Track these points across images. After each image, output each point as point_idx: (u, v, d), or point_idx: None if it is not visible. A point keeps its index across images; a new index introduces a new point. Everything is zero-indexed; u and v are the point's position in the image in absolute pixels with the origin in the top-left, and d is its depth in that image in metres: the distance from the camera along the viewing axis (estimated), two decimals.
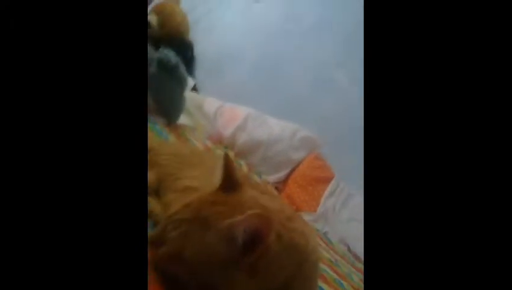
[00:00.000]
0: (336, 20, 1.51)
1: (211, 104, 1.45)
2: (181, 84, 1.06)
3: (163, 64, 1.00)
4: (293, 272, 0.43)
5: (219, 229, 0.39)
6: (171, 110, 1.06)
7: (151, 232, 0.44)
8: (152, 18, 1.41)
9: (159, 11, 1.40)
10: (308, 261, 0.45)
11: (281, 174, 1.36)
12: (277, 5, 1.65)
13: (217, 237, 0.39)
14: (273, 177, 1.34)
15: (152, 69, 1.01)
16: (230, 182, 0.45)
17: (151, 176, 0.61)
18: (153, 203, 0.56)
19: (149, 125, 0.93)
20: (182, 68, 1.05)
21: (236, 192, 0.45)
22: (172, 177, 0.62)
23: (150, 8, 1.48)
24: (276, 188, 1.34)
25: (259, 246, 0.38)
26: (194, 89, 1.60)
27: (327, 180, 1.39)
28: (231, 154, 1.28)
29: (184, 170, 0.64)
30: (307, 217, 1.18)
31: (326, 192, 1.33)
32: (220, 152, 1.18)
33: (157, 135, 0.92)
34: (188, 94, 1.31)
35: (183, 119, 1.21)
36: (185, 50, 1.40)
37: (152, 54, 1.04)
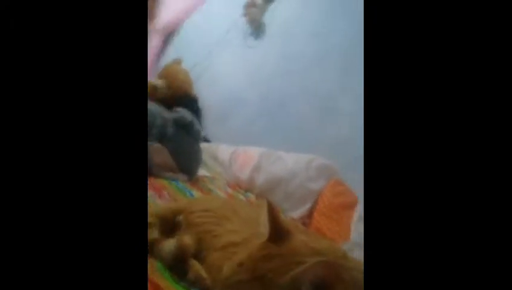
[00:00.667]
0: (333, 51, 1.60)
1: (224, 151, 1.48)
2: (197, 138, 1.10)
3: (179, 123, 1.04)
4: None
5: (282, 285, 0.38)
6: (191, 165, 1.08)
7: None
8: (158, 82, 1.51)
9: (164, 74, 1.50)
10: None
11: (305, 207, 1.34)
12: (271, 47, 1.76)
13: None
14: (297, 213, 1.32)
15: (169, 129, 1.06)
16: (278, 231, 0.46)
17: (188, 240, 0.61)
18: (197, 267, 0.55)
19: (171, 184, 0.95)
20: (197, 123, 1.10)
21: (286, 240, 0.45)
22: (210, 234, 0.62)
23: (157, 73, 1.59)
24: (303, 223, 1.30)
25: None
26: (205, 139, 1.65)
27: (352, 205, 1.36)
28: (252, 197, 1.28)
29: (220, 224, 0.64)
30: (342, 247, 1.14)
31: (355, 217, 1.29)
32: (242, 197, 1.18)
33: (181, 192, 0.93)
34: (201, 145, 1.35)
35: (200, 171, 1.23)
36: (191, 104, 1.47)
37: (166, 114, 1.10)
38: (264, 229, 0.47)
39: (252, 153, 1.45)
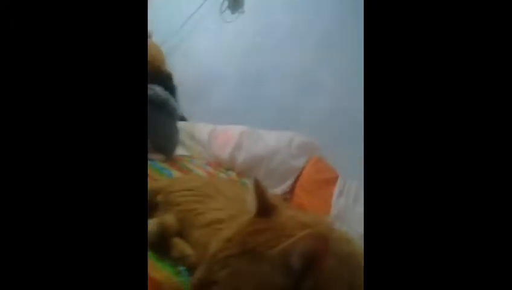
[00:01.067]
0: (309, 24, 1.56)
1: (202, 129, 1.43)
2: (173, 116, 1.05)
3: (153, 100, 0.98)
4: (349, 280, 0.41)
5: (272, 257, 0.37)
6: (167, 145, 1.03)
7: (194, 276, 0.41)
8: None
9: None
10: (361, 264, 0.43)
11: (287, 184, 1.35)
12: (248, 21, 1.69)
13: (272, 266, 0.37)
14: (279, 189, 1.33)
15: None
16: (265, 207, 0.44)
17: (170, 218, 0.58)
18: (181, 246, 0.53)
19: (150, 165, 0.90)
20: (172, 100, 1.04)
21: (274, 215, 0.44)
22: (192, 213, 0.60)
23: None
24: (285, 199, 1.32)
25: (319, 266, 0.36)
26: (182, 118, 1.58)
27: (333, 180, 1.39)
28: (233, 175, 1.26)
29: (203, 203, 0.62)
30: None
31: (336, 192, 1.33)
32: (223, 176, 1.16)
33: (159, 173, 0.89)
34: (178, 124, 1.29)
35: (178, 151, 1.18)
36: (165, 81, 1.39)
37: None
38: (251, 206, 0.45)
39: (232, 132, 1.41)
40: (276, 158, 1.37)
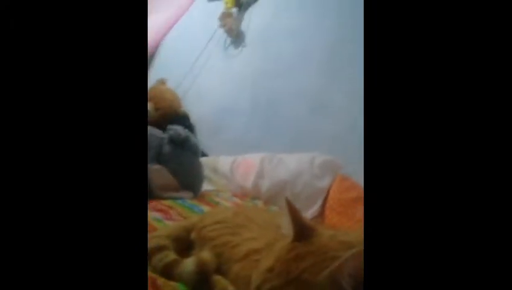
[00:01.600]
0: (313, 46, 1.61)
1: (223, 162, 1.45)
2: (196, 153, 1.08)
3: (175, 140, 1.02)
4: None
5: (321, 284, 0.36)
6: (194, 181, 1.05)
7: None
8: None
9: (150, 96, 1.48)
10: None
11: (315, 207, 1.31)
12: (252, 52, 1.77)
13: None
14: (308, 213, 1.29)
15: (166, 148, 1.03)
16: (303, 229, 0.43)
17: (206, 255, 0.58)
18: (222, 283, 0.52)
19: (178, 203, 0.92)
20: (192, 137, 1.08)
21: (313, 237, 0.43)
22: (228, 246, 0.59)
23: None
24: (316, 223, 1.28)
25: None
26: (203, 154, 1.62)
27: (362, 198, 1.34)
28: (260, 203, 1.25)
29: (236, 234, 0.61)
30: None
31: None
32: (251, 205, 1.15)
33: (189, 210, 0.90)
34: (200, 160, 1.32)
35: (204, 186, 1.20)
36: (183, 122, 1.45)
37: (160, 134, 1.07)
38: (286, 230, 0.45)
39: (252, 160, 1.42)
40: (300, 181, 1.35)
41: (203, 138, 1.75)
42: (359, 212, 1.29)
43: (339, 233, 0.46)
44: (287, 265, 0.39)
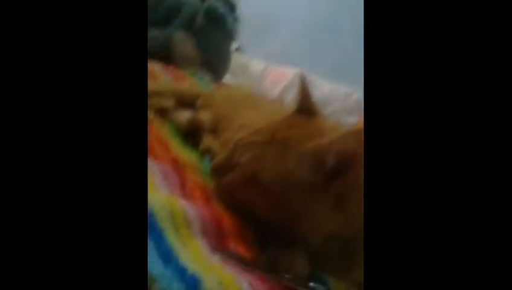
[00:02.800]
0: None
1: (256, 65, 1.37)
2: (229, 37, 1.00)
3: (210, 14, 0.93)
4: None
5: (302, 151, 0.33)
6: (218, 66, 1.00)
7: (215, 158, 0.39)
8: None
9: None
10: None
11: None
12: None
13: (300, 160, 0.33)
14: None
15: (198, 20, 0.95)
16: (307, 106, 0.38)
17: (206, 115, 0.56)
18: (209, 140, 0.51)
19: (196, 76, 0.89)
20: (230, 20, 0.99)
21: (314, 118, 0.38)
22: (227, 118, 0.57)
23: None
24: None
25: (351, 172, 0.31)
26: (238, 51, 1.54)
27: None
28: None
29: (239, 111, 0.58)
30: None
31: None
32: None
33: (204, 84, 0.87)
34: (232, 55, 1.25)
35: (227, 79, 1.15)
36: (229, 10, 1.33)
37: (198, 6, 0.98)
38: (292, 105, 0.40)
39: (286, 72, 1.33)
40: (328, 108, 1.27)
41: (244, 35, 1.63)
42: None
43: (341, 127, 0.41)
44: (276, 129, 0.36)
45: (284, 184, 0.32)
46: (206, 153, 0.49)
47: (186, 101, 0.65)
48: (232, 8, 1.43)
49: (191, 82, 0.83)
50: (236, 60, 1.33)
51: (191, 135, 0.52)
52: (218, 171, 0.38)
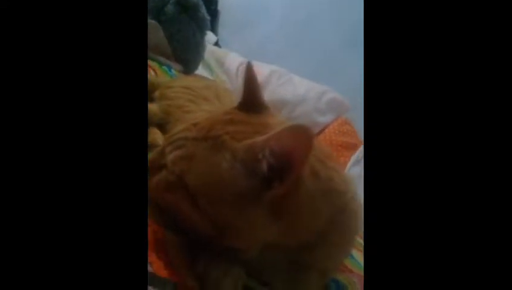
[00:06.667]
0: None
1: (233, 59, 1.30)
2: (202, 27, 0.92)
3: (182, 2, 0.86)
4: (327, 221, 0.30)
5: (236, 149, 0.27)
6: (189, 57, 0.93)
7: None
8: None
9: None
10: (347, 211, 0.32)
11: None
12: None
13: (232, 159, 0.27)
14: None
15: (170, 8, 0.87)
16: (252, 100, 0.33)
17: (155, 108, 0.50)
18: (154, 134, 0.45)
19: (162, 68, 0.82)
20: (203, 9, 0.91)
21: (260, 114, 0.32)
22: (181, 109, 0.51)
23: None
24: None
25: (290, 175, 0.26)
26: (216, 45, 1.46)
27: (354, 147, 1.23)
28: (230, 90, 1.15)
29: (196, 103, 0.52)
30: None
31: (353, 159, 1.18)
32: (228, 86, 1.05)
33: (169, 76, 0.80)
34: (209, 47, 1.17)
35: (201, 72, 1.08)
36: (208, 3, 1.25)
37: None
38: (237, 99, 0.35)
39: (261, 69, 1.27)
40: (300, 108, 1.23)
41: (223, 29, 1.56)
42: (344, 159, 1.20)
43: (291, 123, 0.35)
44: (213, 124, 0.30)
45: (214, 188, 0.27)
46: (149, 149, 0.42)
47: None
48: (213, 12, 1.35)
49: (158, 73, 0.76)
50: (213, 53, 1.26)
51: None
52: (150, 170, 0.31)
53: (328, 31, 1.45)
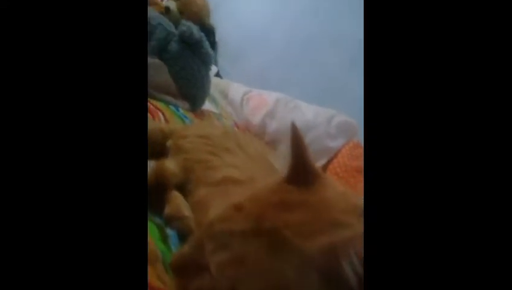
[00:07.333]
0: None
1: (236, 90, 1.26)
2: (206, 62, 0.88)
3: (185, 38, 0.82)
4: None
5: (306, 252, 0.20)
6: (196, 93, 0.88)
7: (178, 250, 0.26)
8: (171, 3, 1.25)
9: None
10: None
11: (318, 164, 1.16)
12: None
13: (303, 265, 0.20)
14: None
15: (173, 45, 0.83)
16: (303, 169, 0.26)
17: (172, 165, 0.43)
18: (178, 202, 0.38)
19: (170, 108, 0.77)
20: (207, 44, 0.87)
21: (314, 186, 0.26)
22: (202, 165, 0.44)
23: None
24: None
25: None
26: (217, 76, 1.43)
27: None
28: (250, 135, 1.09)
29: (218, 155, 0.46)
30: None
31: None
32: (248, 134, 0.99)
33: (180, 120, 0.74)
34: (212, 80, 1.14)
35: (207, 105, 1.03)
36: (206, 35, 1.23)
37: (171, 28, 0.87)
38: (280, 165, 0.28)
39: (267, 97, 1.23)
40: (311, 134, 1.17)
41: (223, 59, 1.53)
42: (361, 184, 1.14)
43: (351, 192, 0.29)
44: (264, 209, 0.23)
45: None
46: (171, 222, 0.35)
47: (156, 142, 0.52)
48: (209, 32, 1.33)
49: (166, 114, 0.70)
50: (216, 86, 1.22)
51: (153, 194, 0.39)
52: (181, 270, 0.25)
53: (328, 53, 1.44)
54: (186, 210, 0.36)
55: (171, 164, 0.42)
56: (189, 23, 0.85)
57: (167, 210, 0.36)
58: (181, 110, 0.79)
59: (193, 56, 0.84)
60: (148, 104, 0.69)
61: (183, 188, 0.42)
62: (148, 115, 0.66)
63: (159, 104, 0.73)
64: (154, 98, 0.75)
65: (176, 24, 1.02)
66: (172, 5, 1.26)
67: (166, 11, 1.08)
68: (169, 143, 0.53)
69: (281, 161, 0.28)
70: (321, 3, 1.42)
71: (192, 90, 0.86)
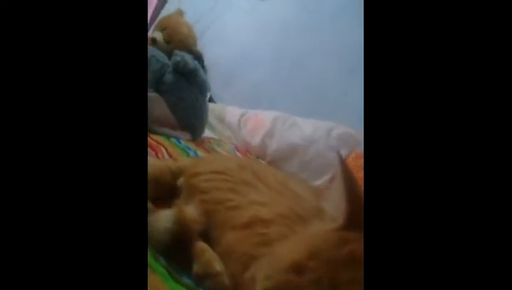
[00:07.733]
0: (355, 3, 1.31)
1: (232, 113, 1.24)
2: (203, 90, 0.86)
3: (180, 68, 0.80)
4: None
5: None
6: (195, 122, 0.85)
7: None
8: (157, 34, 1.23)
9: (163, 26, 1.21)
10: None
11: (324, 179, 1.13)
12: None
13: None
14: (317, 184, 1.12)
15: (168, 76, 0.81)
16: (359, 212, 0.23)
17: (190, 211, 0.38)
18: (208, 256, 0.33)
19: (172, 142, 0.73)
20: (202, 72, 0.85)
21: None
22: (223, 205, 0.40)
23: (153, 26, 1.31)
24: None
25: None
26: (211, 100, 1.40)
27: None
28: (263, 163, 1.05)
29: (238, 192, 0.42)
30: None
31: None
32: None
33: (184, 152, 0.70)
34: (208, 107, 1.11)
35: (206, 133, 1.00)
36: (197, 62, 1.22)
37: (164, 60, 0.84)
38: (332, 209, 0.25)
39: (263, 117, 1.21)
40: (312, 149, 1.15)
41: (214, 84, 1.52)
42: None
43: None
44: (329, 266, 0.20)
45: None
46: (203, 281, 0.31)
47: (165, 183, 0.47)
48: (198, 59, 1.32)
49: (169, 149, 0.66)
50: (211, 111, 1.19)
51: (176, 250, 0.34)
52: None
53: (320, 66, 1.45)
54: (217, 264, 0.32)
55: (190, 211, 0.37)
56: (183, 53, 0.83)
57: (196, 268, 0.32)
58: (183, 142, 0.75)
59: (189, 85, 0.82)
60: (149, 139, 0.65)
61: (206, 236, 0.37)
62: (151, 151, 0.61)
63: (160, 139, 0.69)
64: (155, 132, 0.72)
65: (167, 54, 1.00)
66: (159, 36, 1.24)
67: (153, 42, 1.07)
68: (180, 182, 0.49)
69: (331, 204, 0.25)
70: (309, 17, 1.45)
71: (191, 119, 0.83)
